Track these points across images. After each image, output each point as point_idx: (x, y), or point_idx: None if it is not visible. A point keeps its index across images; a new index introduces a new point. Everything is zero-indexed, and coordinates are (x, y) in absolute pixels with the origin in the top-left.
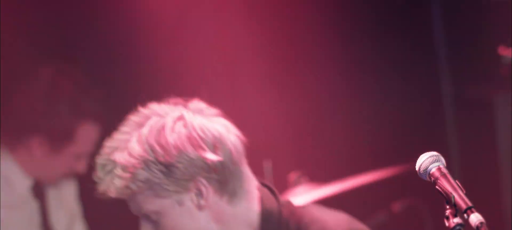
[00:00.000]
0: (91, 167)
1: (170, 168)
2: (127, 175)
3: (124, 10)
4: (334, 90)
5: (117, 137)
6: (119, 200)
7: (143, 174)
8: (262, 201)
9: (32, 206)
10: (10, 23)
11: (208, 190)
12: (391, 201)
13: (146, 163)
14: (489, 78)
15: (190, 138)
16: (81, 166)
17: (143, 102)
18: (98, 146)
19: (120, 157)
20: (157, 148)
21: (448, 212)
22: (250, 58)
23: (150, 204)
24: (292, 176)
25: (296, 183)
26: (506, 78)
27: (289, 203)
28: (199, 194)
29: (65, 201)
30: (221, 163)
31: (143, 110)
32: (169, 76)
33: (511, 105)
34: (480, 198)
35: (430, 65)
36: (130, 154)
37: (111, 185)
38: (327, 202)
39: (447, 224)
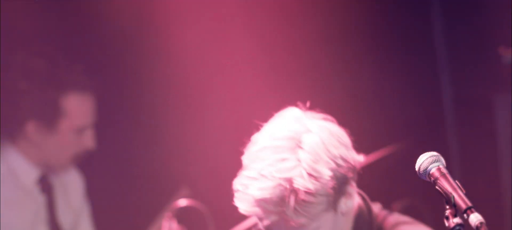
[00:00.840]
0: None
1: (345, 176)
2: (321, 198)
3: None
4: (333, 90)
5: (280, 171)
6: (122, 200)
7: (332, 190)
8: (359, 205)
9: (38, 200)
10: None
11: (354, 190)
12: (392, 200)
13: (334, 179)
14: (489, 78)
15: (343, 145)
16: (88, 141)
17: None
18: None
19: (308, 184)
20: (335, 162)
21: (448, 212)
22: (250, 60)
23: (317, 221)
24: None
25: None
26: (506, 78)
27: (377, 211)
28: (350, 196)
29: (72, 196)
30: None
31: (279, 133)
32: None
33: (511, 105)
34: (480, 198)
35: (430, 66)
36: (315, 177)
37: (305, 212)
38: None
39: (447, 224)
